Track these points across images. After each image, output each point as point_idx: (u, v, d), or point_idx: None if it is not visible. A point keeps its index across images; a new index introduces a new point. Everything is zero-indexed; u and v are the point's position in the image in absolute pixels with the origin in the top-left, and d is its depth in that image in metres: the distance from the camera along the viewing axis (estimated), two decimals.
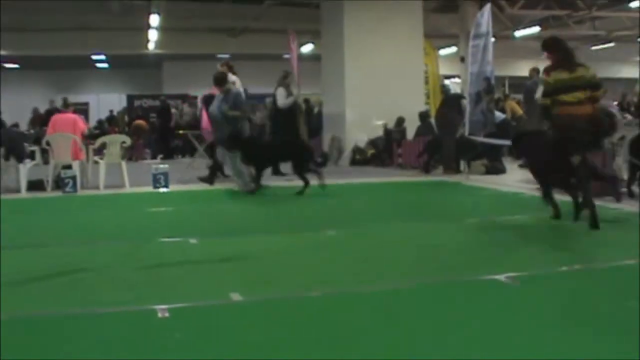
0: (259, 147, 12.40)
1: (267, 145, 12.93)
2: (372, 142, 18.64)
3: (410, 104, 18.32)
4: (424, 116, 17.53)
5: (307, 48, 27.43)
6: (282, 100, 15.06)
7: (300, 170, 11.74)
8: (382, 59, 18.59)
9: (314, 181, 11.53)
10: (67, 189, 12.58)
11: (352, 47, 18.93)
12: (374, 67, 18.46)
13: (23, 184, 12.88)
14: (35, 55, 30.94)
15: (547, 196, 8.43)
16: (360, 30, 18.92)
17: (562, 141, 7.93)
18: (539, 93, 8.66)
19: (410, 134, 17.80)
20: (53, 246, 7.43)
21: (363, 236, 7.57)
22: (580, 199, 7.96)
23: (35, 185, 13.08)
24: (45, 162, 13.60)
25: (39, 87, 35.72)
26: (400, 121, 18.25)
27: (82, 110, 27.08)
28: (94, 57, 33.48)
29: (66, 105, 14.74)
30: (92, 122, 27.46)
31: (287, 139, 13.68)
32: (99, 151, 14.02)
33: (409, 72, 18.79)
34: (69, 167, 12.98)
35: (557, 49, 8.50)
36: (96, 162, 13.65)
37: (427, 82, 20.54)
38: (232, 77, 13.29)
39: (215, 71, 13.12)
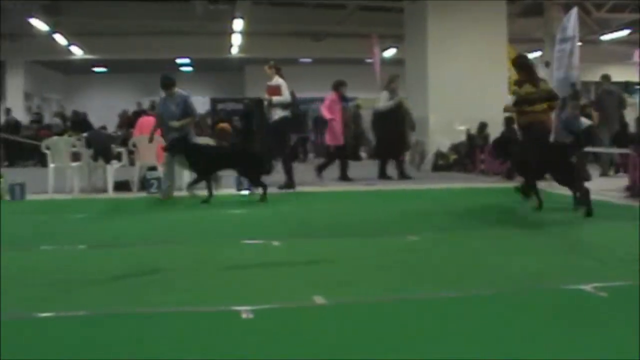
0: (204, 153, 11.85)
1: (213, 152, 12.24)
2: (455, 147, 18.50)
3: (493, 109, 18.08)
4: (508, 121, 17.29)
5: (389, 52, 27.39)
6: (382, 102, 15.12)
7: (251, 178, 11.73)
8: (465, 63, 18.43)
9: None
10: (152, 190, 12.82)
11: (435, 52, 18.82)
12: (457, 72, 18.31)
13: (110, 185, 13.21)
14: (123, 59, 31.66)
15: (528, 189, 9.88)
16: (443, 35, 18.80)
17: (530, 147, 9.69)
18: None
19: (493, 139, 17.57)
20: (137, 246, 7.55)
21: (445, 242, 7.49)
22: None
23: (122, 185, 13.37)
24: (132, 163, 13.87)
25: (126, 90, 36.51)
26: (482, 126, 18.06)
27: None
28: (179, 60, 34.06)
29: (152, 108, 15.02)
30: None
31: (235, 148, 13.20)
32: None
33: (492, 77, 18.55)
34: (154, 168, 13.22)
35: (526, 66, 10.46)
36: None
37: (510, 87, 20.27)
38: (279, 80, 13.32)
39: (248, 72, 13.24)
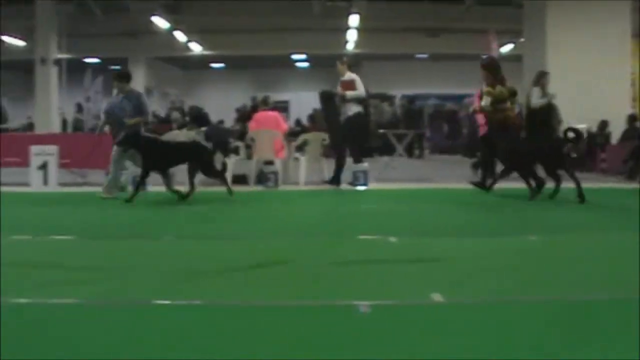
0: (157, 149, 11.41)
1: (166, 148, 11.72)
2: None
3: (614, 107, 17.59)
4: (632, 119, 16.78)
5: (506, 48, 26.93)
6: (535, 99, 14.85)
7: (205, 172, 11.45)
8: (585, 59, 17.95)
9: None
10: (269, 184, 13.01)
11: (554, 47, 18.39)
12: (577, 68, 17.85)
13: (228, 178, 13.45)
14: (240, 55, 32.19)
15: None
16: (563, 30, 18.36)
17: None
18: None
19: (614, 138, 17.09)
20: (254, 239, 7.63)
21: (565, 244, 7.30)
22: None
23: (239, 179, 13.61)
24: (249, 157, 14.10)
25: (242, 85, 37.10)
26: (603, 125, 17.56)
27: (283, 108, 27.87)
28: (295, 56, 34.39)
29: (266, 103, 15.20)
30: (292, 120, 28.22)
31: (186, 142, 12.56)
32: (300, 148, 14.38)
33: (614, 74, 18.02)
34: (270, 162, 13.41)
35: (497, 69, 11.56)
36: (296, 159, 14.02)
37: (633, 85, 19.64)
38: (352, 75, 13.19)
39: (339, 66, 13.33)
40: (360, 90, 13.11)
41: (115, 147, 11.56)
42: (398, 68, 33.22)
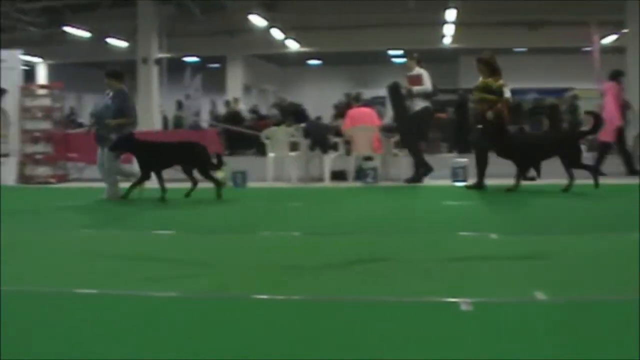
0: (151, 151, 11.20)
1: (159, 149, 11.44)
2: None
3: None
4: None
5: (608, 40, 26.22)
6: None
7: (201, 173, 11.15)
8: None
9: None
10: (368, 180, 13.00)
11: None
12: None
13: (327, 174, 13.53)
14: (336, 51, 32.27)
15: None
16: None
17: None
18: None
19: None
20: (354, 234, 7.65)
21: None
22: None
23: (338, 175, 13.65)
24: (348, 153, 14.12)
25: (338, 81, 37.18)
26: None
27: (380, 104, 27.85)
28: (391, 52, 34.25)
29: (358, 100, 15.22)
30: (389, 116, 28.12)
31: (183, 142, 12.06)
32: (398, 144, 14.31)
33: None
34: (369, 158, 13.40)
35: (496, 63, 11.80)
36: (395, 155, 13.97)
37: None
38: (420, 70, 12.97)
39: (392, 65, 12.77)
40: (427, 85, 13.00)
41: (106, 152, 11.32)
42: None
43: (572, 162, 11.15)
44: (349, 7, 26.83)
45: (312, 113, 25.43)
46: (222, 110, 28.73)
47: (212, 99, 29.69)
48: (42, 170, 15.05)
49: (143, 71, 26.12)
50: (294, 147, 14.23)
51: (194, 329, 4.09)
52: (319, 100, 30.51)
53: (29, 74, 29.04)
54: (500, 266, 5.84)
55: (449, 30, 28.45)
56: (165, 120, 27.44)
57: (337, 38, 29.71)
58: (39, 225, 8.89)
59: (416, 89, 13.05)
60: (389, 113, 14.38)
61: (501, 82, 11.69)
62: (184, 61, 31.63)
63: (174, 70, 26.66)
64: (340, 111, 15.54)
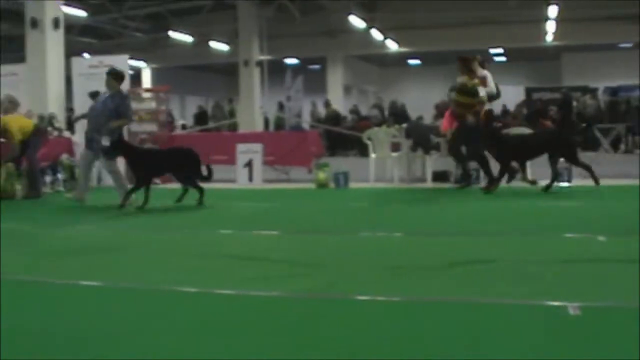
0: (145, 155, 11.01)
1: (154, 154, 11.24)
2: None
3: None
4: None
5: None
6: None
7: (191, 181, 10.74)
8: None
9: None
10: (471, 181, 12.86)
11: None
12: None
13: (429, 174, 13.47)
14: (436, 50, 32.10)
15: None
16: None
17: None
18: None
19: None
20: (454, 235, 7.59)
21: None
22: None
23: (440, 176, 13.56)
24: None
25: (439, 81, 36.93)
26: None
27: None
28: (492, 50, 33.84)
29: None
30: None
31: (177, 148, 11.71)
32: None
33: None
34: None
35: (472, 65, 11.84)
36: None
37: None
38: (483, 71, 12.61)
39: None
40: (491, 87, 12.71)
41: (104, 160, 11.12)
42: (600, 59, 32.01)
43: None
44: (448, 5, 26.66)
45: (413, 113, 25.34)
46: (322, 111, 28.96)
47: (313, 100, 29.91)
48: None
49: (245, 73, 26.58)
50: (395, 147, 14.20)
51: (296, 329, 4.15)
52: (419, 100, 30.40)
53: (134, 78, 29.91)
54: (607, 268, 5.70)
55: (550, 27, 27.91)
56: (266, 121, 27.81)
57: (437, 37, 29.56)
58: (150, 225, 9.14)
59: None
60: None
61: (476, 81, 11.76)
62: (284, 63, 32.00)
63: (274, 72, 27.00)
64: (441, 111, 15.39)
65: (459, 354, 3.68)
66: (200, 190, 10.65)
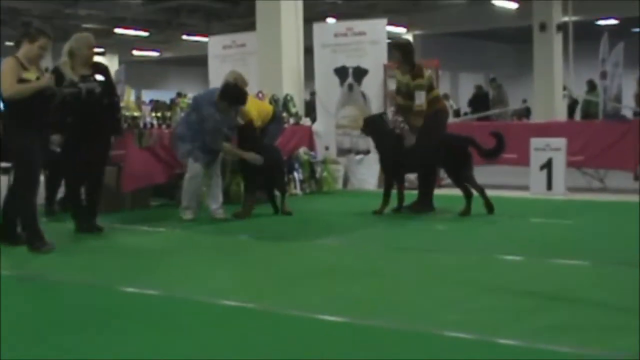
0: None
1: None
2: None
3: None
4: None
5: None
6: None
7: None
8: None
9: None
10: None
11: None
12: None
13: None
14: None
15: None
16: None
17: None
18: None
19: None
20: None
21: None
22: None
23: None
24: None
25: None
26: None
27: None
28: None
29: None
30: None
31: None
32: None
33: None
34: None
35: (412, 53, 12.33)
36: None
37: None
38: None
39: None
40: None
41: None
42: None
43: None
44: None
45: None
46: None
47: None
48: None
49: (540, 40, 26.35)
50: None
51: None
52: None
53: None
54: None
55: None
56: (571, 107, 27.33)
57: None
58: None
59: None
60: None
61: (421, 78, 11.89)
62: (597, 25, 31.25)
63: (583, 38, 26.30)
64: None
65: None
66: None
